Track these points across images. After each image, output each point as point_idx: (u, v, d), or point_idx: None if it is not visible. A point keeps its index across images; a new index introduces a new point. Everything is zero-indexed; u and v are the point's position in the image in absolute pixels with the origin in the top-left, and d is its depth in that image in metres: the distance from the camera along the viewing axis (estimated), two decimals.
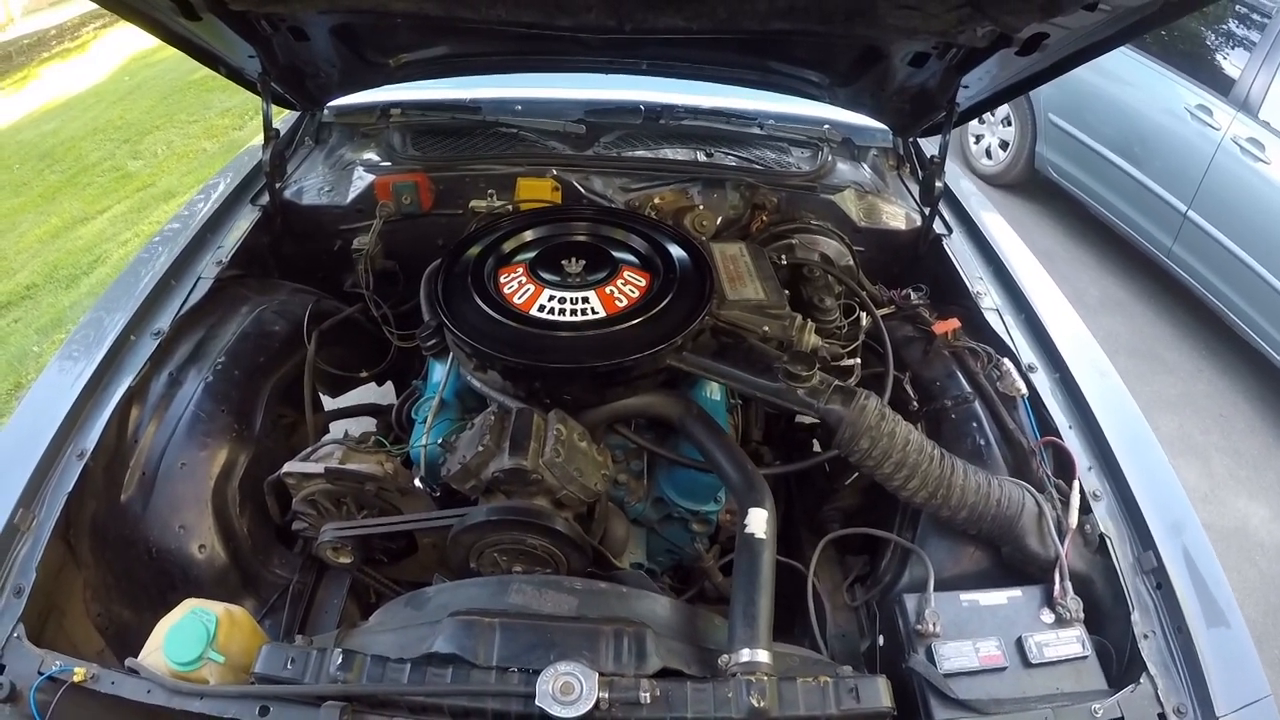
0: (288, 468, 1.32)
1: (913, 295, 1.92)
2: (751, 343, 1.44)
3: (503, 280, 1.46)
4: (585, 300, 1.40)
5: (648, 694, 0.94)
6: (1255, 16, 4.02)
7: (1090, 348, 1.75)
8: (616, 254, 1.53)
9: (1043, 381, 1.62)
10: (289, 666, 0.98)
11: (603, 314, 1.38)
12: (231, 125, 6.21)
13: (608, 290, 1.43)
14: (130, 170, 5.85)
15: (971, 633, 1.19)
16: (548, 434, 1.24)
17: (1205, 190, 3.94)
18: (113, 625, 1.33)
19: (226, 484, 1.44)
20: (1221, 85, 3.98)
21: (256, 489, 1.47)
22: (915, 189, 2.23)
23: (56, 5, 9.42)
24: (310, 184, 2.02)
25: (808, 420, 2.10)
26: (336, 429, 1.83)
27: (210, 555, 1.38)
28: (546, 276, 1.45)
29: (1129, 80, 4.39)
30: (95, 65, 8.13)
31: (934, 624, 1.19)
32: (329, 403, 2.03)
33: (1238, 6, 4.10)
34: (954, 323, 1.79)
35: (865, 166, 2.29)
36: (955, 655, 1.17)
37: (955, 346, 1.76)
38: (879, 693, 1.03)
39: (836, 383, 1.36)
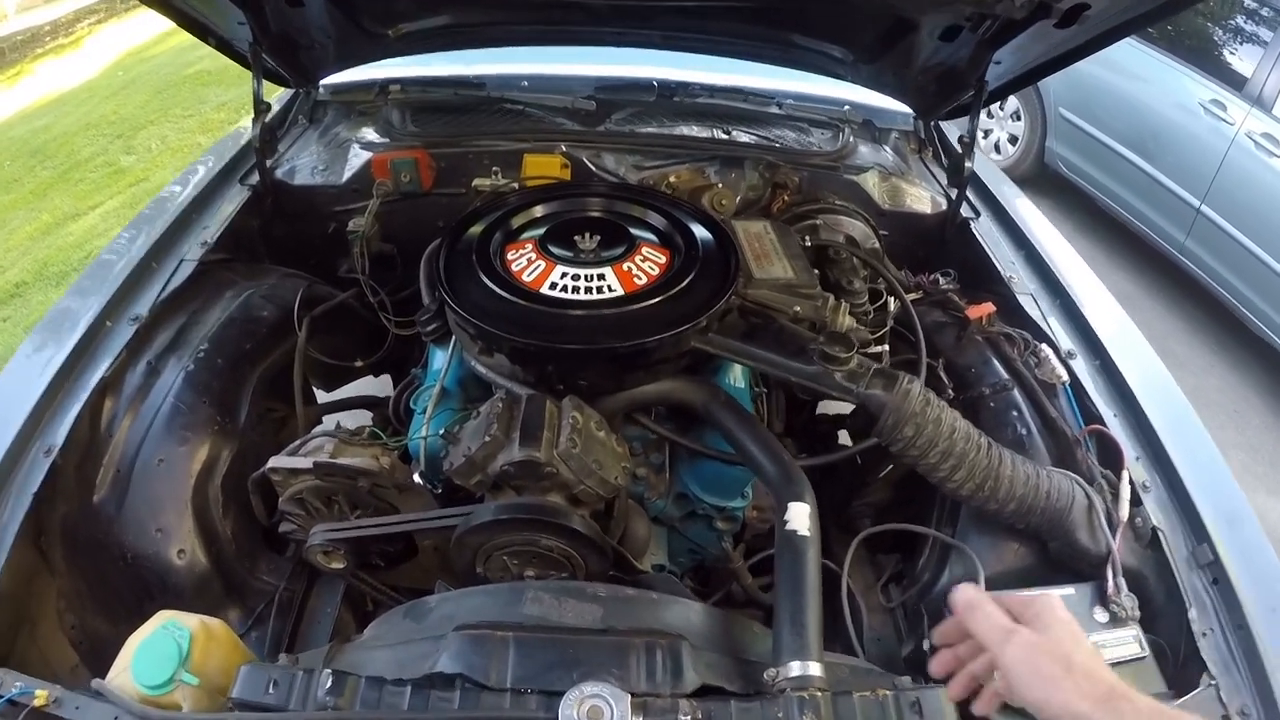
0: (273, 463, 1.18)
1: (941, 280, 1.81)
2: (782, 323, 1.31)
3: (510, 257, 1.32)
4: (601, 277, 1.26)
5: (687, 716, 0.80)
6: (1264, 12, 3.94)
7: (1131, 333, 1.66)
8: (633, 230, 1.39)
9: (1083, 368, 1.53)
10: (271, 690, 0.84)
11: (620, 292, 1.24)
12: (227, 120, 6.04)
13: (625, 267, 1.29)
14: (123, 165, 5.69)
15: None
16: (562, 422, 1.10)
17: (1219, 185, 3.85)
18: (88, 639, 1.21)
19: (208, 482, 1.31)
20: (1235, 80, 3.88)
21: (241, 488, 1.33)
22: (939, 173, 2.13)
23: (51, 1, 9.25)
24: (303, 163, 1.88)
25: (831, 411, 1.99)
26: (330, 423, 1.69)
27: (190, 561, 1.24)
28: (558, 252, 1.31)
29: (1141, 75, 4.28)
30: (89, 60, 7.96)
31: None
32: (323, 397, 1.89)
33: (1246, 1, 4.01)
34: (988, 307, 1.69)
35: (887, 149, 2.17)
36: None
37: (990, 332, 1.66)
38: (942, 706, 0.89)
39: (876, 366, 1.24)
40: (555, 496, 1.09)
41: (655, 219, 1.44)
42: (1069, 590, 1.17)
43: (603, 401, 1.22)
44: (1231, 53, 4.05)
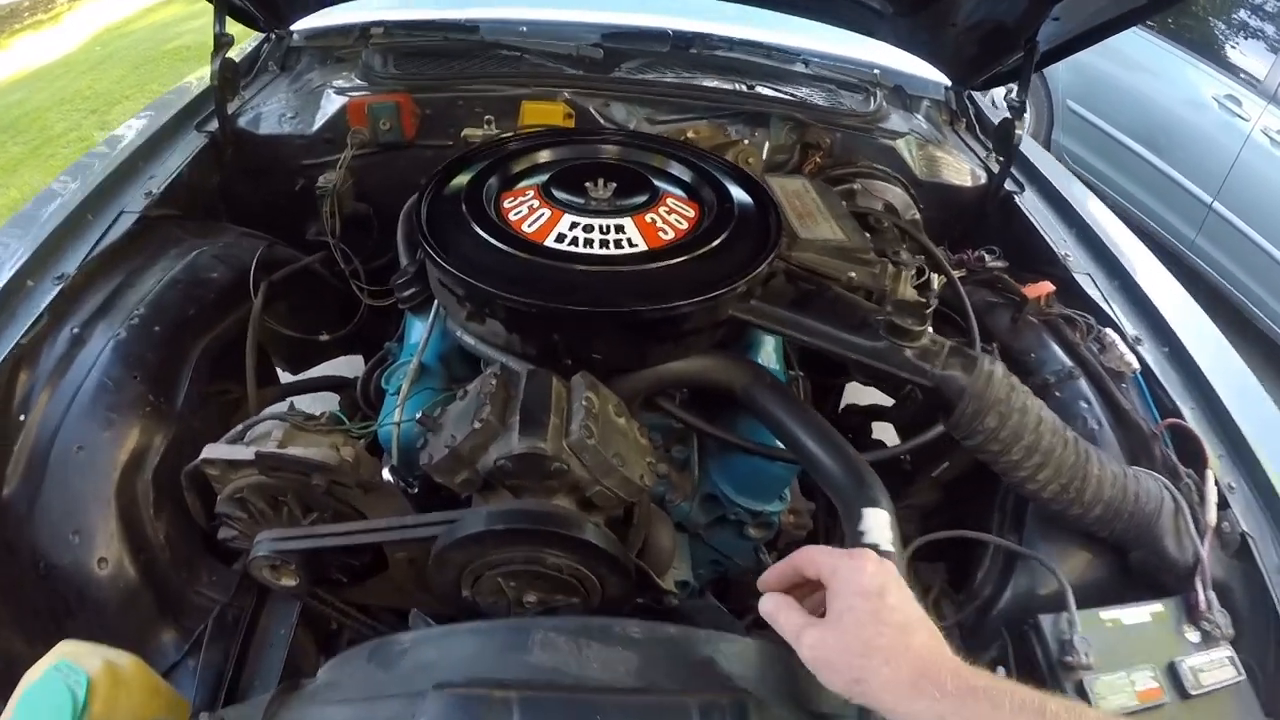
0: (208, 452, 0.91)
1: (986, 257, 1.60)
2: (837, 291, 1.06)
3: (507, 205, 1.06)
4: (619, 229, 1.00)
5: None
6: (1268, 7, 3.78)
7: (1198, 318, 1.50)
8: (655, 180, 1.14)
9: (1150, 356, 1.36)
10: None
11: (644, 247, 0.99)
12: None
13: (648, 218, 1.03)
14: (96, 140, 5.33)
15: (1121, 661, 0.96)
16: (573, 405, 0.84)
17: (1232, 181, 3.65)
18: (4, 662, 0.96)
19: (136, 475, 1.06)
20: (1251, 75, 3.69)
21: (177, 482, 1.07)
22: (975, 146, 1.91)
23: None
24: (270, 110, 1.61)
25: (863, 402, 1.75)
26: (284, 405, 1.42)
27: (115, 572, 0.99)
28: (566, 198, 1.05)
29: (1151, 68, 4.08)
30: (67, 36, 7.52)
31: (1085, 653, 0.94)
32: (285, 378, 1.62)
33: None
34: (1046, 286, 1.49)
35: (919, 117, 1.94)
36: (1111, 692, 0.93)
37: (1048, 314, 1.45)
38: None
39: (951, 343, 1.01)
40: (563, 500, 0.83)
41: (679, 169, 1.19)
42: (1156, 606, 1.02)
43: (620, 381, 0.96)
44: (1234, 46, 3.88)
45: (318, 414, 1.00)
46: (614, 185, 1.07)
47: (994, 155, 1.87)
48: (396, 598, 1.04)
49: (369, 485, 0.88)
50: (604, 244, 0.98)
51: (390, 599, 1.04)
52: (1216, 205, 3.70)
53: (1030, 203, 1.76)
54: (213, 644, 1.02)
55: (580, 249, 0.97)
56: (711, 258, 0.99)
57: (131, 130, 1.57)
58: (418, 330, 1.15)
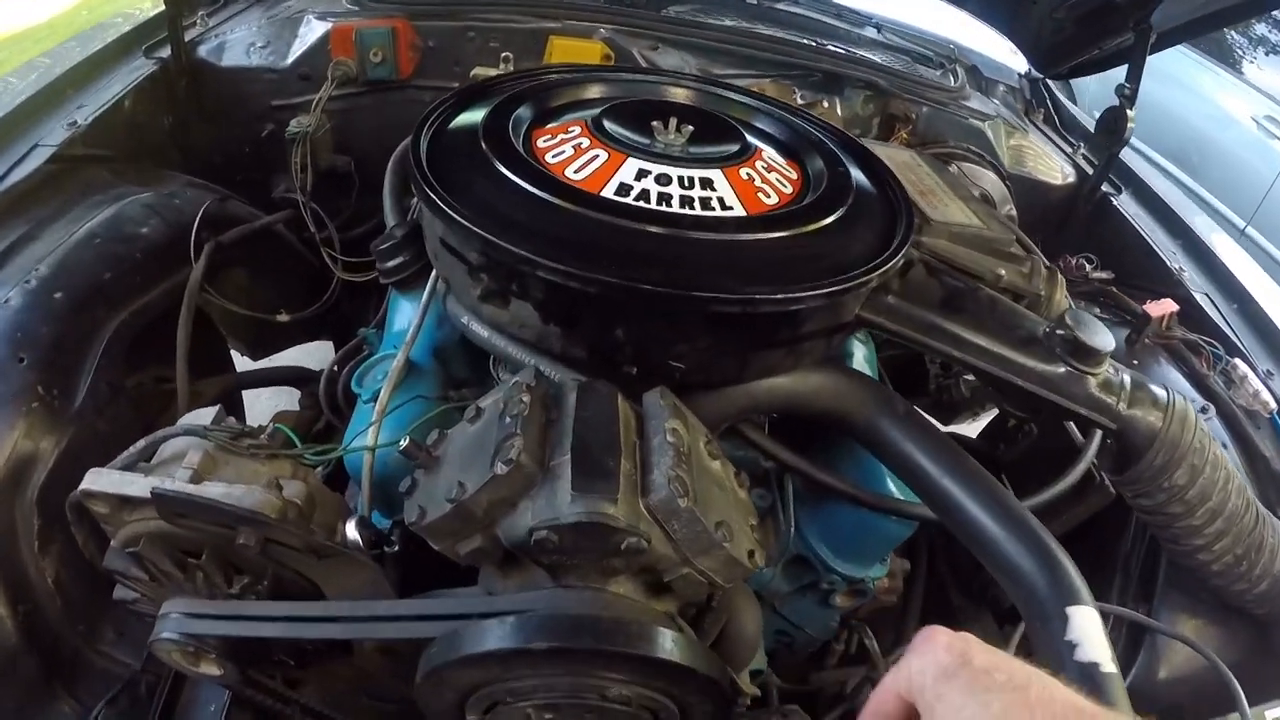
0: (89, 481, 0.59)
1: (1087, 267, 1.34)
2: (992, 294, 0.75)
3: (542, 144, 0.74)
4: (708, 184, 0.69)
5: None
6: None
7: None
8: (742, 130, 0.82)
9: None
10: None
11: (741, 211, 0.68)
12: None
13: (744, 174, 0.72)
14: None
15: None
16: (651, 441, 0.53)
17: (1267, 206, 3.40)
18: None
19: (16, 495, 0.79)
20: None
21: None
22: (1057, 138, 1.65)
23: None
24: (237, 38, 1.27)
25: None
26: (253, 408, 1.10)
27: None
28: (627, 137, 0.73)
29: (1187, 85, 3.83)
30: None
31: None
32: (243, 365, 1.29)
33: None
34: (1169, 304, 1.23)
35: (996, 101, 1.66)
36: None
37: (1169, 339, 1.21)
38: None
39: (1132, 373, 0.75)
40: (627, 585, 0.52)
41: (768, 124, 0.87)
42: None
43: (701, 402, 0.65)
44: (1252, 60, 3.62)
45: (260, 426, 0.67)
46: (689, 129, 0.75)
47: (1081, 151, 1.61)
48: (364, 683, 0.72)
49: (324, 550, 0.56)
50: (686, 202, 0.66)
51: (355, 684, 0.73)
52: (1250, 230, 3.47)
53: (1129, 208, 1.50)
54: None
55: (653, 205, 0.65)
56: (833, 234, 0.68)
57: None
58: (405, 314, 0.84)
